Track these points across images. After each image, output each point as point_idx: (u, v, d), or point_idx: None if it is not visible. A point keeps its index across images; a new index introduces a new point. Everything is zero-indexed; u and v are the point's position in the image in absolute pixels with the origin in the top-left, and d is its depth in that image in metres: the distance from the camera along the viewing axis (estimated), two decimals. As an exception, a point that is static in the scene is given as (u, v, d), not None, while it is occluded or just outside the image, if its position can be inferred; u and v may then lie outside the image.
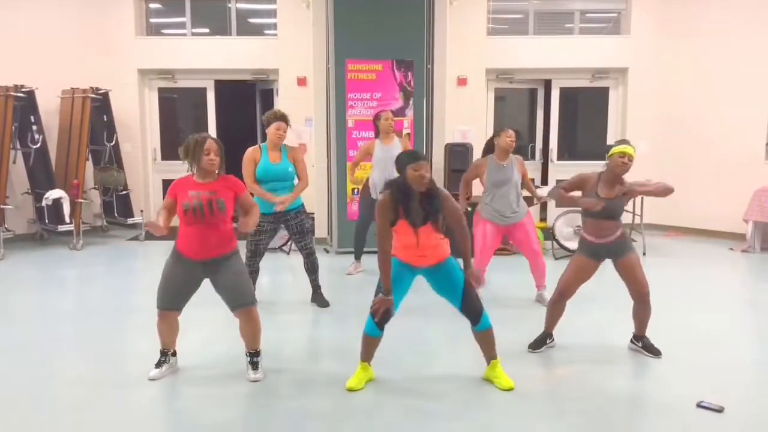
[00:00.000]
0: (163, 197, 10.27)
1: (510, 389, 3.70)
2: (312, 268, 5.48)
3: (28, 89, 7.91)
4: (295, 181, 5.30)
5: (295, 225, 5.30)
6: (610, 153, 4.09)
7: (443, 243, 3.69)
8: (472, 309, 3.69)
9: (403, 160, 3.56)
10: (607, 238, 4.11)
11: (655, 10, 8.85)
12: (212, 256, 3.70)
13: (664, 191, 4.06)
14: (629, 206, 7.97)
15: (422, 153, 3.64)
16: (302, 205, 5.37)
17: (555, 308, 4.35)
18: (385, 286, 3.60)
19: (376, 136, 6.36)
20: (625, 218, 8.49)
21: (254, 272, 5.29)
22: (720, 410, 3.43)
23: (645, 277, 4.19)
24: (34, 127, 7.99)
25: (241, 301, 3.76)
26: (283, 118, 5.20)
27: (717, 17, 8.36)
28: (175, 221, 3.65)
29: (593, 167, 4.31)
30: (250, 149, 5.25)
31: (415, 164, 3.49)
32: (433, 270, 3.72)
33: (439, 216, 3.59)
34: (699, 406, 3.48)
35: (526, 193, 5.60)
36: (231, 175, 3.85)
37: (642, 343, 4.31)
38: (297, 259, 5.50)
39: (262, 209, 5.18)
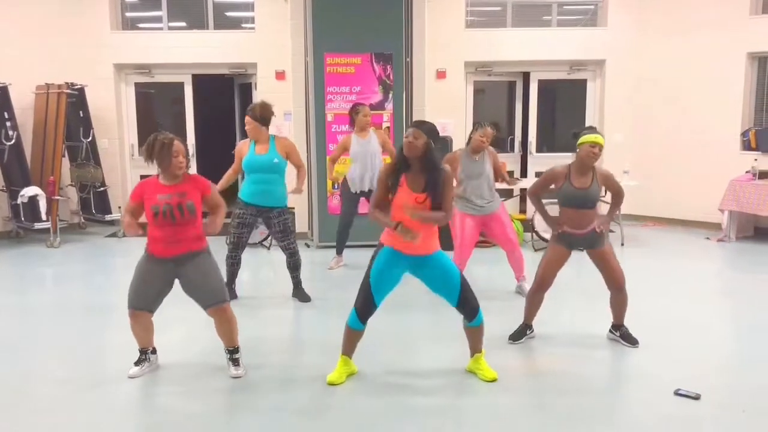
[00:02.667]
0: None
1: (493, 380, 3.73)
2: (294, 267, 5.45)
3: (1, 85, 7.78)
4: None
5: (279, 223, 5.26)
6: (579, 142, 4.14)
7: (433, 235, 3.64)
8: (469, 306, 3.68)
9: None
10: (585, 228, 4.15)
11: (631, 3, 8.91)
12: (181, 252, 3.66)
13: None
14: (607, 197, 8.04)
15: (422, 121, 3.64)
16: (287, 204, 5.35)
17: (533, 300, 4.39)
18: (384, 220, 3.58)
19: (351, 126, 6.37)
20: (603, 209, 8.54)
21: (236, 264, 5.36)
22: (697, 398, 3.48)
23: (620, 266, 4.24)
24: (8, 124, 7.87)
25: (212, 299, 3.72)
26: (249, 111, 5.17)
27: (693, 10, 8.44)
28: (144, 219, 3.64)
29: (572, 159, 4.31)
30: (240, 142, 5.46)
31: (406, 131, 3.56)
32: (424, 262, 3.63)
33: (437, 188, 3.52)
34: (676, 394, 3.53)
35: (499, 185, 5.62)
36: (201, 175, 3.84)
37: (620, 333, 4.37)
38: (277, 254, 5.48)
39: (247, 199, 5.18)
